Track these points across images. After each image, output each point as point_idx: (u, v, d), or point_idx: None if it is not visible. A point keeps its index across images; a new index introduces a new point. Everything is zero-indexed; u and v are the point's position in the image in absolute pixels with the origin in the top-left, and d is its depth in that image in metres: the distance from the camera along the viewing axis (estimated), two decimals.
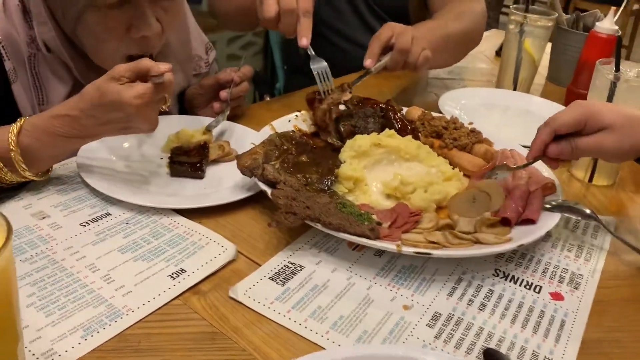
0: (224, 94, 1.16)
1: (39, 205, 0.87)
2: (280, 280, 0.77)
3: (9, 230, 0.45)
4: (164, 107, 0.87)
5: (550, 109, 1.38)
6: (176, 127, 1.08)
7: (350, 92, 1.12)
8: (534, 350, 0.69)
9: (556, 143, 0.86)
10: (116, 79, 0.80)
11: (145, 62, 0.81)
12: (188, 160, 1.01)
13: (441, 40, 1.33)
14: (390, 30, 1.20)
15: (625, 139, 0.81)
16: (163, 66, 0.81)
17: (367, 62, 1.18)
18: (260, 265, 0.80)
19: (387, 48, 1.20)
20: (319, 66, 1.13)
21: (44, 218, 0.85)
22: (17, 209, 0.86)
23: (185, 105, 1.29)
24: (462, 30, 1.43)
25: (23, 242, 0.79)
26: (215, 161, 1.06)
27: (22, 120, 0.83)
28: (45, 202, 0.88)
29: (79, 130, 0.82)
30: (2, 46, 0.94)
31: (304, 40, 1.10)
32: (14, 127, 0.82)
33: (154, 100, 0.82)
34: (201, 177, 1.01)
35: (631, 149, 0.83)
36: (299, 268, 0.80)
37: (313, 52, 1.13)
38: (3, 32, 0.94)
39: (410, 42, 1.19)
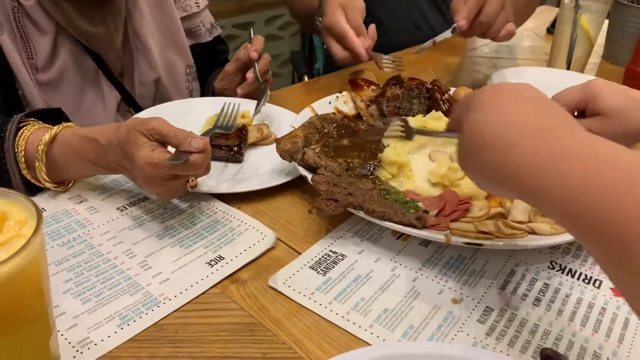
0: (250, 74, 1.12)
1: (76, 189, 0.86)
2: (321, 269, 0.74)
3: (39, 217, 0.43)
4: (188, 187, 0.80)
5: None
6: (214, 109, 1.05)
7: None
8: (595, 351, 0.64)
9: None
10: (145, 134, 0.73)
11: (179, 135, 0.73)
12: (226, 144, 0.98)
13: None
14: None
15: (617, 127, 0.75)
16: (196, 143, 0.72)
17: (462, 22, 1.10)
18: (300, 254, 0.77)
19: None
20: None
21: (81, 202, 0.83)
22: (55, 192, 0.85)
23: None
24: None
25: (60, 226, 0.78)
26: (254, 144, 1.03)
27: (59, 129, 0.79)
28: (83, 186, 0.87)
29: (104, 162, 0.78)
30: None
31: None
32: (46, 137, 0.78)
33: (167, 175, 0.74)
34: (240, 161, 0.98)
35: (625, 137, 0.76)
36: (340, 257, 0.76)
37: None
38: None
39: (496, 15, 1.11)
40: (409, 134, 0.76)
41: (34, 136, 0.79)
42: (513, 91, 0.57)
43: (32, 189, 0.82)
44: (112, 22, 1.05)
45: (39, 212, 0.43)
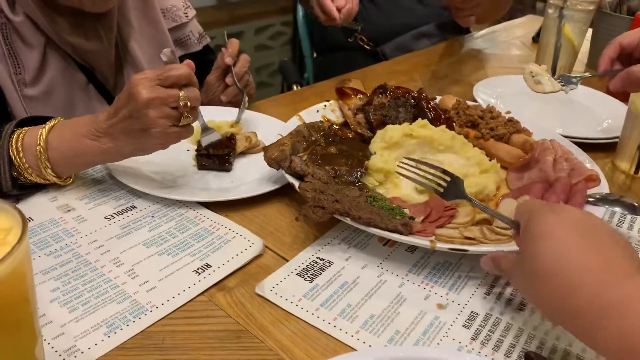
0: (229, 79, 1.12)
1: (64, 198, 0.86)
2: (308, 276, 0.74)
3: (24, 225, 0.43)
4: (183, 118, 0.81)
5: (591, 97, 1.32)
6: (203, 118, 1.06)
7: None
8: (578, 355, 0.65)
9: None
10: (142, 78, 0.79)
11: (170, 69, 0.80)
12: (215, 153, 0.98)
13: None
14: None
15: None
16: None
17: None
18: (287, 261, 0.77)
19: None
20: None
21: (69, 211, 0.84)
22: (43, 202, 0.85)
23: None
24: None
25: (48, 235, 0.78)
26: (242, 153, 1.04)
27: (56, 120, 0.83)
28: (71, 195, 0.87)
29: (94, 129, 0.80)
30: None
31: None
32: (48, 124, 0.82)
33: (166, 100, 0.78)
34: (228, 170, 0.99)
35: None
36: (327, 264, 0.77)
37: None
38: None
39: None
40: (448, 193, 0.78)
41: (32, 131, 0.81)
42: (578, 222, 0.55)
43: (20, 188, 0.83)
44: (104, 35, 1.05)
45: (24, 221, 0.44)
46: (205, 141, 0.97)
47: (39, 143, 0.80)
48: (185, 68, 0.80)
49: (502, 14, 1.89)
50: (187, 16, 1.27)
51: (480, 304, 0.71)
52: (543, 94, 1.10)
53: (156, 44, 1.19)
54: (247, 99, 1.11)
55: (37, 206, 0.84)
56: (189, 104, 0.80)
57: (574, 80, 1.07)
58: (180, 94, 0.79)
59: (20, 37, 0.98)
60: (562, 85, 1.08)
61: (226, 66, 1.12)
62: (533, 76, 1.11)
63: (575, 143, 1.01)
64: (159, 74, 0.78)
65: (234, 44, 1.12)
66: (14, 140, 0.80)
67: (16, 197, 0.84)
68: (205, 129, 0.99)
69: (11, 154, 0.80)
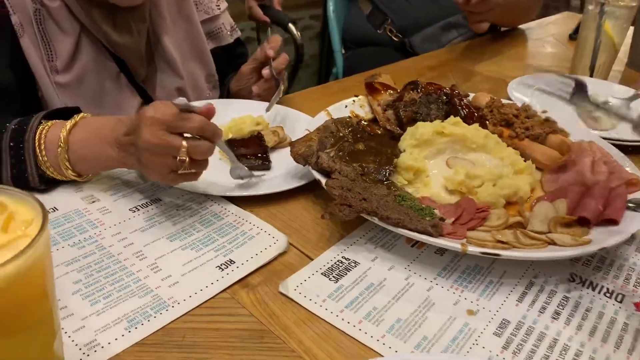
0: (266, 71, 1.11)
1: (89, 189, 0.86)
2: (333, 276, 0.72)
3: (45, 218, 0.42)
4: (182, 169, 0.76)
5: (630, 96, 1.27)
6: (226, 112, 1.05)
7: None
8: None
9: None
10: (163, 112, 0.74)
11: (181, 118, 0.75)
12: (248, 153, 0.96)
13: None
14: None
15: None
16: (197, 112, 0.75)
17: None
18: (312, 259, 0.75)
19: None
20: None
21: (94, 202, 0.83)
22: (68, 192, 0.84)
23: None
24: None
25: (72, 226, 0.78)
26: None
27: (79, 116, 0.82)
28: (96, 186, 0.86)
29: (115, 139, 0.78)
30: (8, 0, 0.93)
31: None
32: (68, 124, 0.80)
33: (166, 150, 0.74)
34: (268, 168, 0.96)
35: None
36: (353, 264, 0.75)
37: None
38: None
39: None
40: None
41: (54, 128, 0.80)
42: None
43: (47, 182, 0.83)
44: (136, 28, 1.04)
45: (44, 213, 0.43)
46: (235, 176, 0.90)
47: (60, 145, 0.79)
48: (199, 121, 0.75)
49: (529, 19, 1.85)
50: (219, 8, 1.26)
51: (513, 312, 0.68)
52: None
53: (188, 37, 1.18)
54: (282, 87, 1.10)
55: (62, 196, 0.83)
56: (186, 159, 0.74)
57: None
58: (183, 147, 0.74)
59: (56, 22, 0.98)
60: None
61: (265, 59, 1.11)
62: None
63: (615, 145, 0.97)
64: (170, 121, 0.73)
65: (276, 40, 1.12)
66: (37, 136, 0.79)
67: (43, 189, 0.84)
68: (234, 162, 0.90)
69: (36, 149, 0.79)
